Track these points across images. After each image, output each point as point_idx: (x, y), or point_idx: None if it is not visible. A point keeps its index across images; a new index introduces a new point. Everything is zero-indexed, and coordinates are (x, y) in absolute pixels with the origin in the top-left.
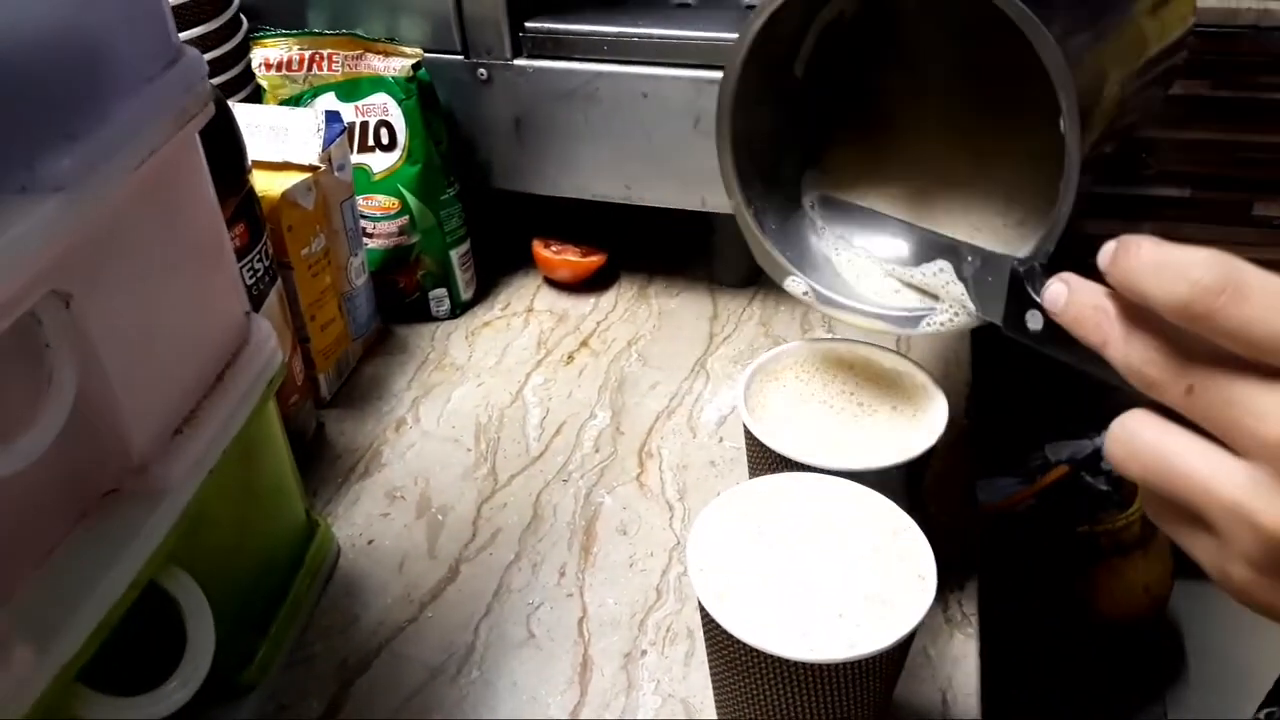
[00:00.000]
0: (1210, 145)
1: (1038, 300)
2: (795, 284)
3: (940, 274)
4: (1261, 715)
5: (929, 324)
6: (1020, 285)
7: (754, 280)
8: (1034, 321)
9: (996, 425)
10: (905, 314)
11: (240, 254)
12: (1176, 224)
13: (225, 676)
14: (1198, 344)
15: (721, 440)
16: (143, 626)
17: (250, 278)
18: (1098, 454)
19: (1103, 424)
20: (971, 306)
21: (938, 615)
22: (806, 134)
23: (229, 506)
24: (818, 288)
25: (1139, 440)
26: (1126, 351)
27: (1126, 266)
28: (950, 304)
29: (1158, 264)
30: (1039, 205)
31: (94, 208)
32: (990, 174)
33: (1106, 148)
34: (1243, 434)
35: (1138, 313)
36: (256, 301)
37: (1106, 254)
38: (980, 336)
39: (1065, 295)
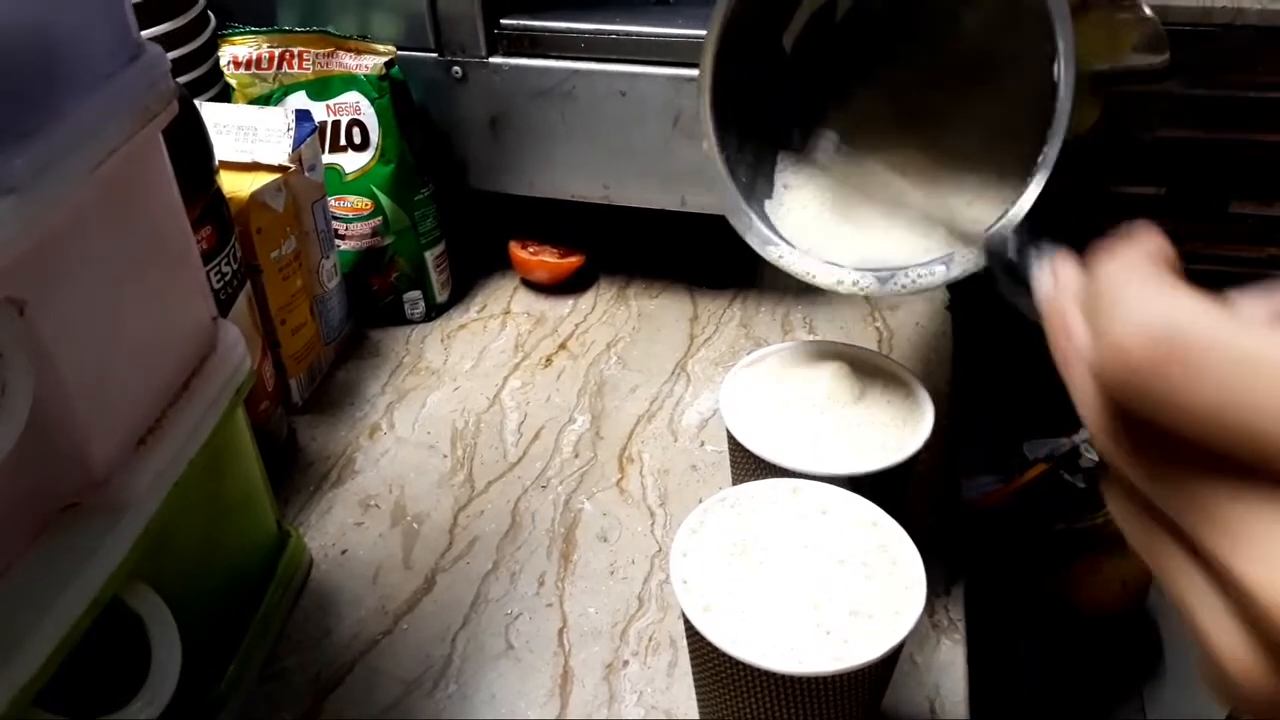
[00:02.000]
0: (1185, 144)
1: (1024, 278)
2: (763, 242)
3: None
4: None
5: (901, 282)
6: (998, 260)
7: (734, 282)
8: (1021, 303)
9: (975, 423)
10: (878, 271)
11: (207, 257)
12: (1151, 221)
13: (195, 693)
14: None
15: (703, 444)
16: (106, 644)
17: (218, 281)
18: (1075, 452)
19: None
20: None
21: (924, 622)
22: (789, 105)
23: (196, 519)
24: (785, 241)
25: (1118, 504)
26: (1078, 398)
27: (1060, 292)
28: (924, 262)
29: (1099, 306)
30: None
31: (49, 210)
32: (980, 152)
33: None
34: (1197, 538)
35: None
36: (225, 306)
37: (1055, 273)
38: (961, 332)
39: (1048, 290)
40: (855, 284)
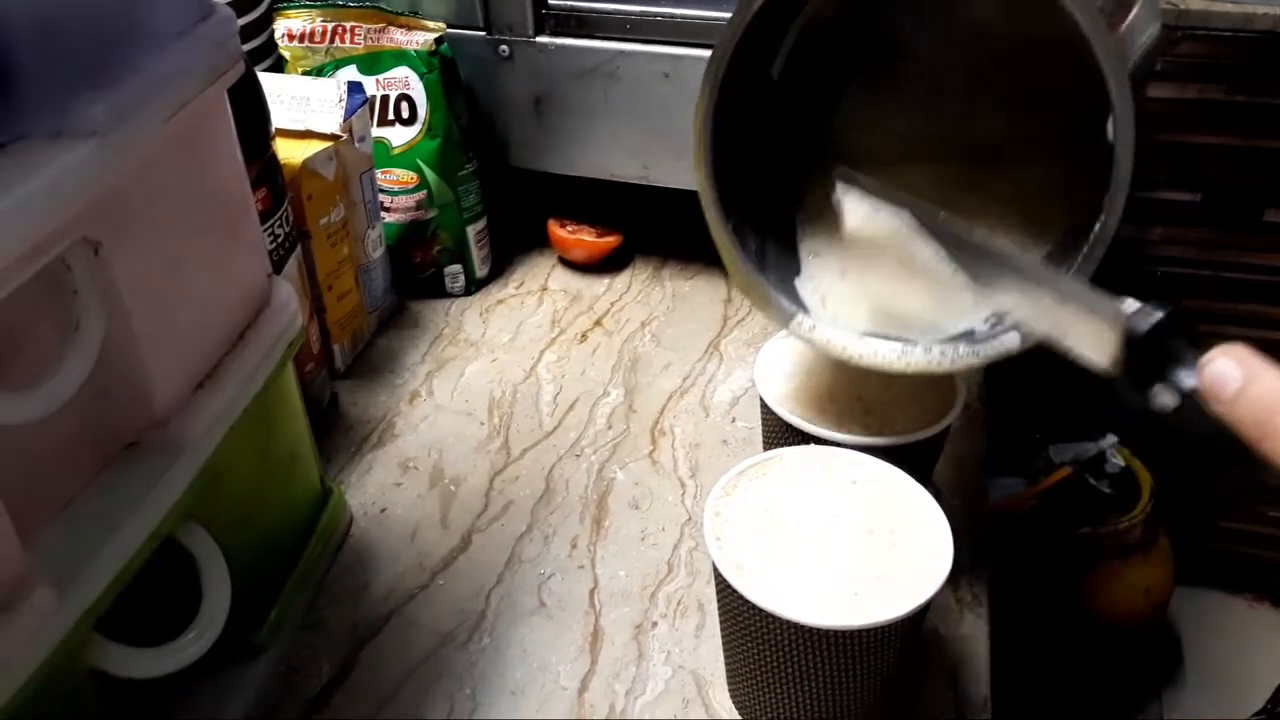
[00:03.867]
0: (1223, 150)
1: (1172, 379)
2: (794, 318)
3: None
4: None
5: (942, 356)
6: (1146, 349)
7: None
8: (1165, 397)
9: (1001, 425)
10: (914, 346)
11: (262, 218)
12: (1186, 228)
13: (237, 639)
14: None
15: (734, 420)
16: (160, 591)
17: (271, 242)
18: (1101, 456)
19: (1107, 427)
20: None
21: (948, 596)
22: (790, 157)
23: (247, 467)
24: (813, 320)
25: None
26: None
27: (1260, 393)
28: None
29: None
30: (1043, 233)
31: (125, 156)
32: (988, 199)
33: None
34: None
35: None
36: (276, 267)
37: (1224, 380)
38: None
39: (1238, 383)
40: (903, 358)
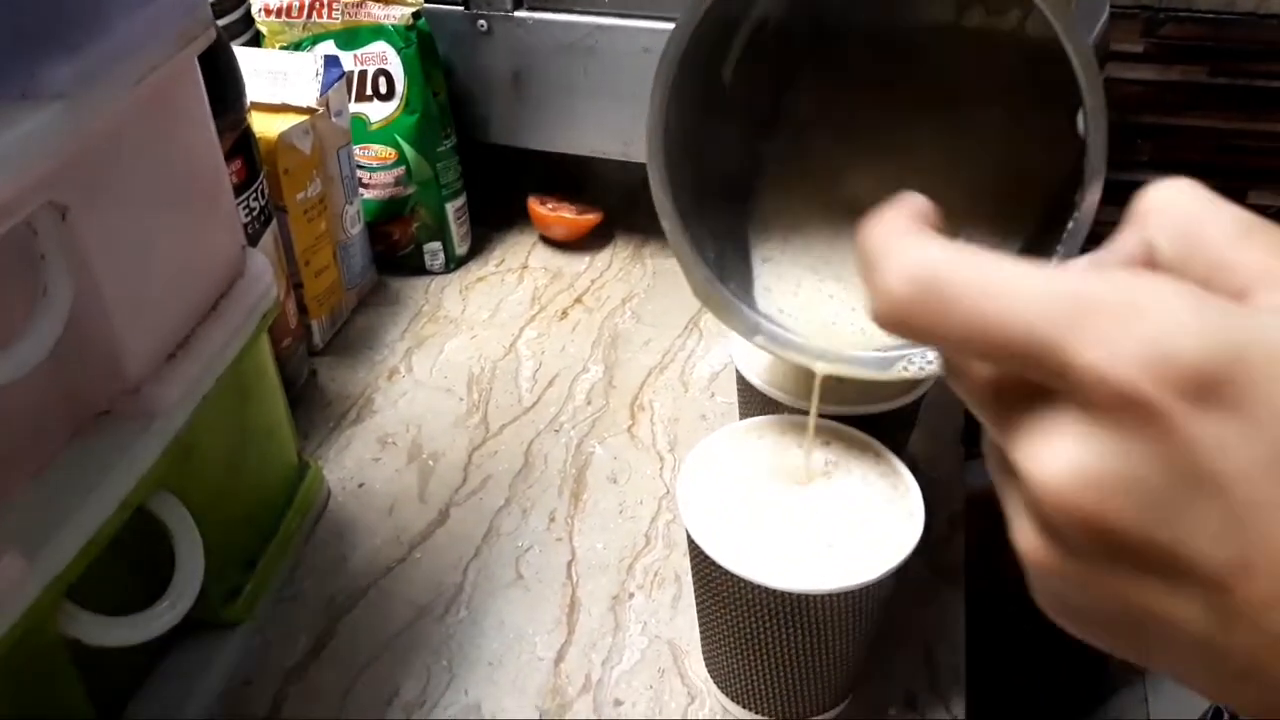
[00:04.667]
0: (1206, 132)
1: None
2: (756, 330)
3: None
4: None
5: (905, 367)
6: None
7: None
8: None
9: None
10: (876, 355)
11: (237, 190)
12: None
13: (213, 610)
14: None
15: (713, 395)
16: (134, 566)
17: (246, 215)
18: None
19: None
20: None
21: (923, 567)
22: (744, 160)
23: (221, 438)
24: (778, 326)
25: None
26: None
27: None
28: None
29: (863, 250)
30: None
31: (93, 119)
32: (956, 189)
33: None
34: (1003, 455)
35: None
36: (252, 240)
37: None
38: None
39: None
40: (850, 366)
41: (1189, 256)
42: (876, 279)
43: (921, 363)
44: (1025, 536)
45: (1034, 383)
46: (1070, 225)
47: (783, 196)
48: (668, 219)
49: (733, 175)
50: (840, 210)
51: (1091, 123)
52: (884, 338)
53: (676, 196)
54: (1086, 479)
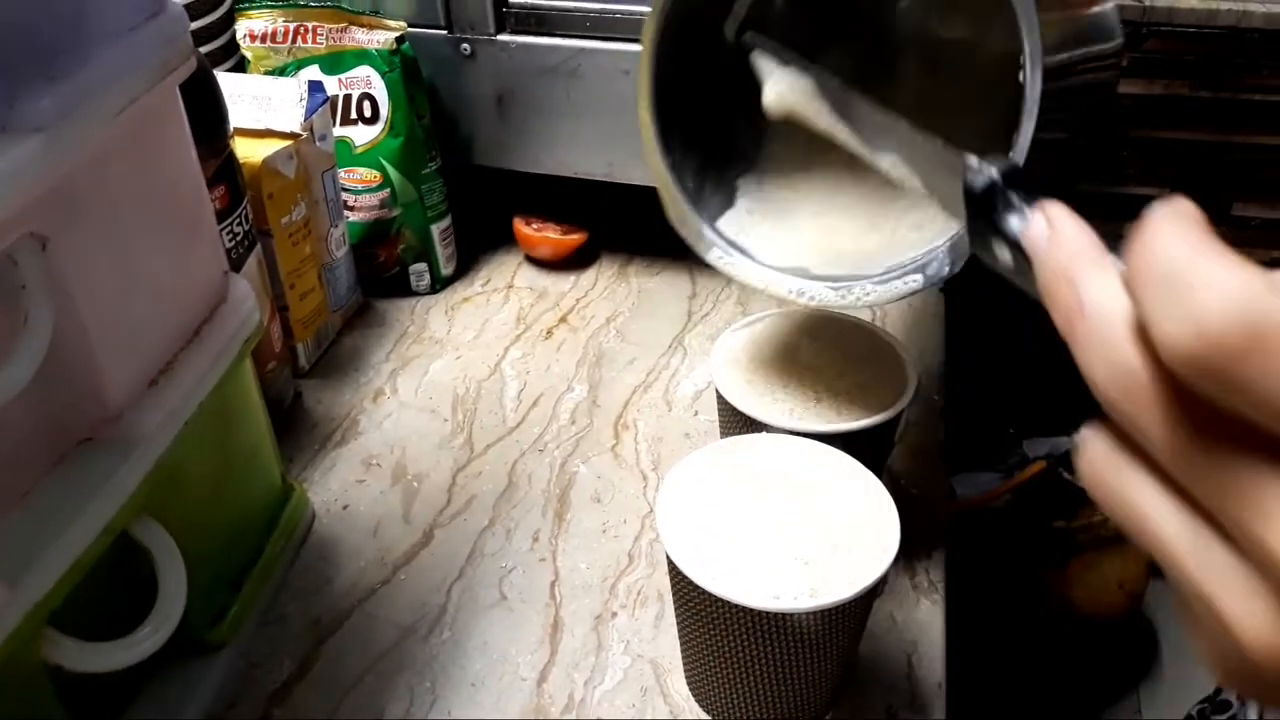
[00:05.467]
0: (1190, 145)
1: (1004, 230)
2: (711, 249)
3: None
4: (1194, 711)
5: (857, 294)
6: (981, 203)
7: None
8: (1003, 254)
9: (975, 422)
10: (835, 282)
11: (220, 216)
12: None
13: (197, 634)
14: (1201, 399)
15: (697, 414)
16: (117, 592)
17: (230, 241)
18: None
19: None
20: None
21: (904, 582)
22: (734, 106)
23: (204, 463)
24: (735, 248)
25: (1108, 467)
26: (1092, 362)
27: (1061, 244)
28: (884, 275)
29: (1164, 279)
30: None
31: (73, 150)
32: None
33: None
34: (1234, 523)
35: (1121, 317)
36: (235, 265)
37: (1036, 237)
38: (960, 327)
39: (1044, 241)
40: (806, 295)
41: None
42: (1187, 303)
43: (860, 291)
44: (1252, 624)
45: None
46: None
47: (779, 142)
48: (651, 144)
49: (726, 123)
50: (831, 155)
51: (1030, 62)
52: (834, 274)
53: (664, 130)
54: None
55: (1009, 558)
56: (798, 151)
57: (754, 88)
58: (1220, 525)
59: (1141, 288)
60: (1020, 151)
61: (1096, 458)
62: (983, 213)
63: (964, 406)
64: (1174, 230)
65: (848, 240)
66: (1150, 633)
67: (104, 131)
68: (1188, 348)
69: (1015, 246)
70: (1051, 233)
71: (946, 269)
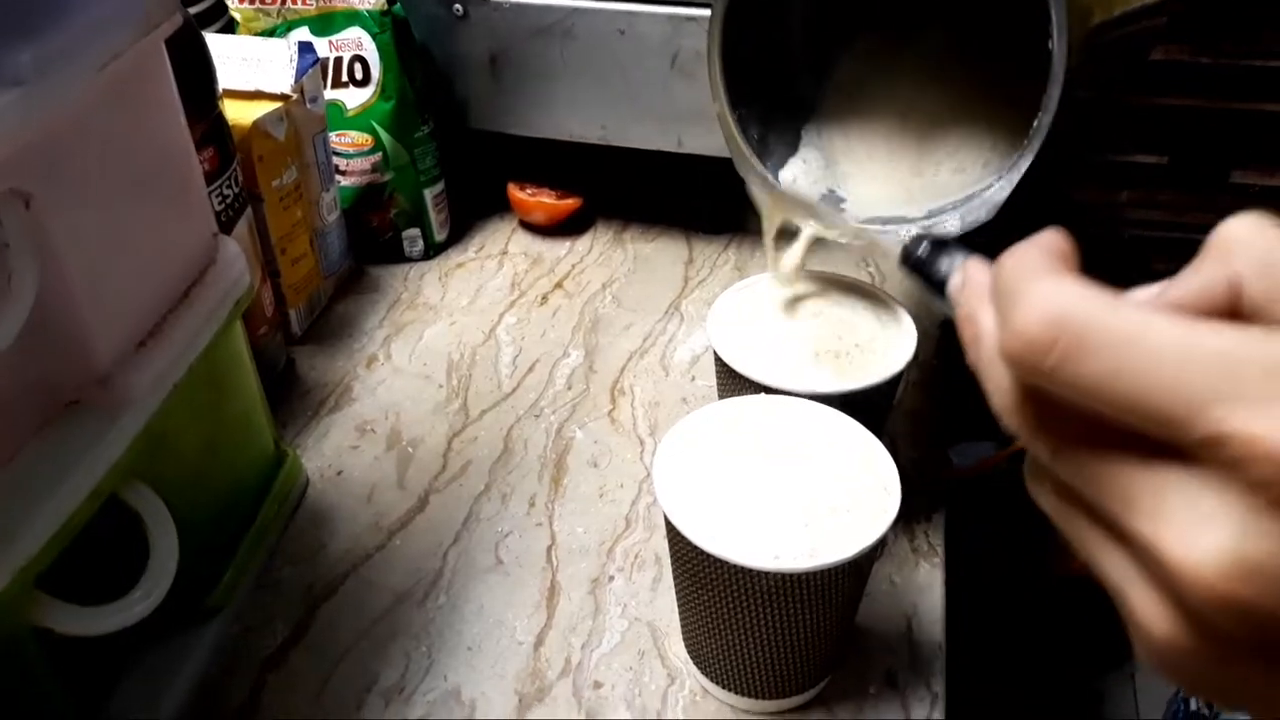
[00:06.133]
0: (1189, 112)
1: (938, 289)
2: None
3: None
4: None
5: (905, 235)
6: (918, 271)
7: (730, 227)
8: (942, 304)
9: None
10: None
11: (209, 178)
12: (1154, 191)
13: (190, 599)
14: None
15: (694, 379)
16: (110, 555)
17: (220, 204)
18: None
19: None
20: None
21: (904, 545)
22: (800, 58)
23: (195, 427)
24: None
25: (1037, 487)
26: (988, 387)
27: (969, 289)
28: (924, 218)
29: (998, 285)
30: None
31: (55, 106)
32: (979, 117)
33: (1081, 92)
34: (1112, 520)
35: None
36: (225, 228)
37: (954, 290)
38: None
39: (956, 288)
40: (854, 238)
41: (1277, 290)
42: (1011, 314)
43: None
44: (1152, 614)
45: (1163, 449)
46: (1034, 124)
47: (844, 101)
48: (720, 97)
49: (790, 72)
50: (886, 117)
51: (1057, 32)
52: (891, 213)
53: (729, 87)
54: (1246, 567)
55: (1005, 525)
56: (854, 101)
57: (820, 36)
58: (1114, 529)
59: (995, 307)
60: (1045, 119)
61: (1027, 473)
62: (921, 275)
63: (961, 377)
64: (1020, 256)
65: (895, 184)
66: None
67: (86, 87)
68: (1009, 348)
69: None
70: (964, 282)
71: (983, 214)
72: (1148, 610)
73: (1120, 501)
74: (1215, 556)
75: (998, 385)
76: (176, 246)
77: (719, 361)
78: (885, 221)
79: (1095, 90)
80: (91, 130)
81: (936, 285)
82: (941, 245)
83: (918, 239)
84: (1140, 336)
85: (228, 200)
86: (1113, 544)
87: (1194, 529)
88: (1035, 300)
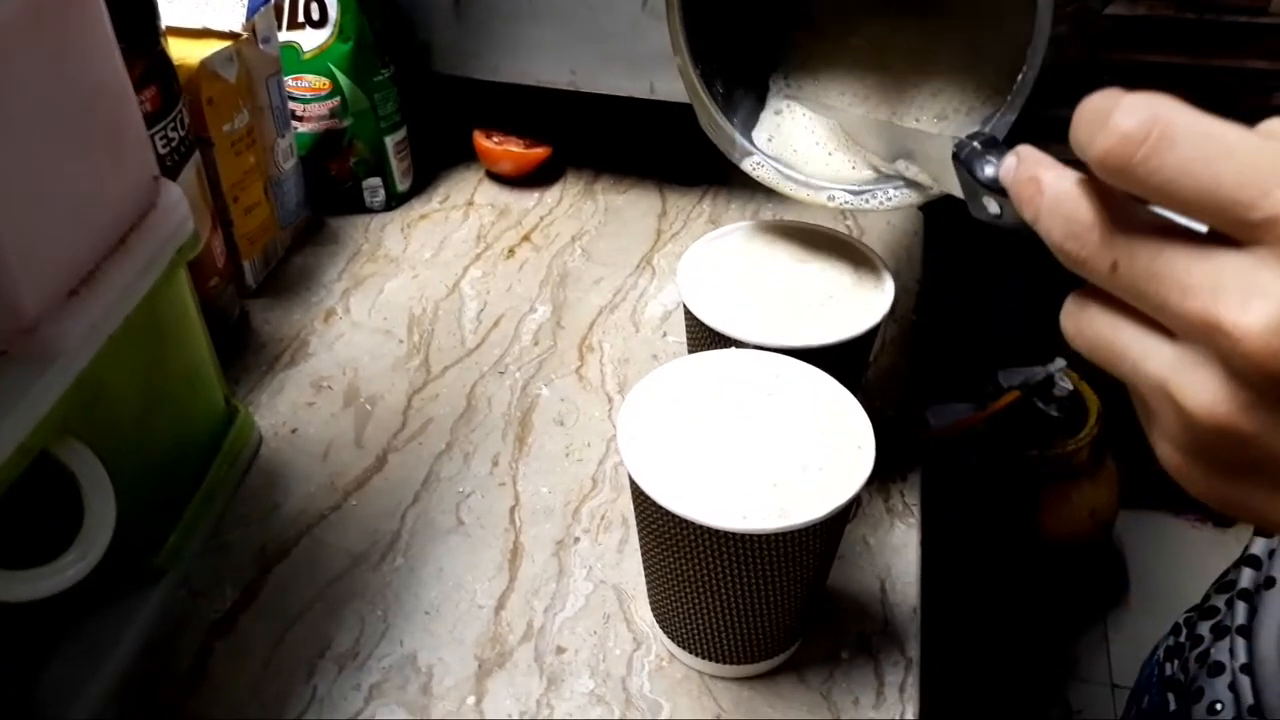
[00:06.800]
0: (1173, 69)
1: (983, 181)
2: (746, 157)
3: (907, 168)
4: (1181, 620)
5: (880, 199)
6: (966, 167)
7: (705, 178)
8: (990, 205)
9: (949, 352)
10: (856, 189)
11: (151, 120)
12: None
13: (135, 562)
14: (1128, 216)
15: (665, 335)
16: (44, 517)
17: (164, 147)
18: (1050, 381)
19: (1056, 353)
20: (930, 185)
21: (878, 505)
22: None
23: (135, 380)
24: (769, 158)
25: (1083, 317)
26: (1050, 225)
27: (1025, 161)
28: (905, 180)
29: (1088, 111)
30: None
31: None
32: (961, 57)
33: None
34: (1168, 311)
35: (1072, 183)
36: (170, 173)
37: (1006, 169)
38: (936, 252)
39: (1013, 169)
40: (831, 198)
41: None
42: (1108, 120)
43: (885, 196)
44: (1199, 389)
45: (1222, 243)
46: (1018, 80)
47: (813, 44)
48: (681, 54)
49: (756, 29)
50: (860, 61)
51: None
52: (863, 177)
53: (690, 39)
54: None
55: (982, 486)
56: (826, 46)
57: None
58: (1161, 326)
59: (1077, 129)
60: (1031, 74)
61: (1068, 314)
62: (970, 173)
63: (938, 338)
64: (1101, 93)
65: (870, 137)
66: (1119, 561)
67: (5, 21)
68: (1104, 147)
69: (998, 191)
70: (1019, 159)
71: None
72: (1194, 388)
73: (1179, 290)
74: (1267, 319)
75: (1066, 217)
76: (112, 190)
77: (688, 314)
78: (862, 183)
79: (1081, 47)
80: (11, 65)
81: (983, 182)
82: (991, 143)
83: (970, 136)
84: (1220, 134)
85: (173, 144)
86: (1161, 342)
87: (1250, 299)
88: (1133, 103)
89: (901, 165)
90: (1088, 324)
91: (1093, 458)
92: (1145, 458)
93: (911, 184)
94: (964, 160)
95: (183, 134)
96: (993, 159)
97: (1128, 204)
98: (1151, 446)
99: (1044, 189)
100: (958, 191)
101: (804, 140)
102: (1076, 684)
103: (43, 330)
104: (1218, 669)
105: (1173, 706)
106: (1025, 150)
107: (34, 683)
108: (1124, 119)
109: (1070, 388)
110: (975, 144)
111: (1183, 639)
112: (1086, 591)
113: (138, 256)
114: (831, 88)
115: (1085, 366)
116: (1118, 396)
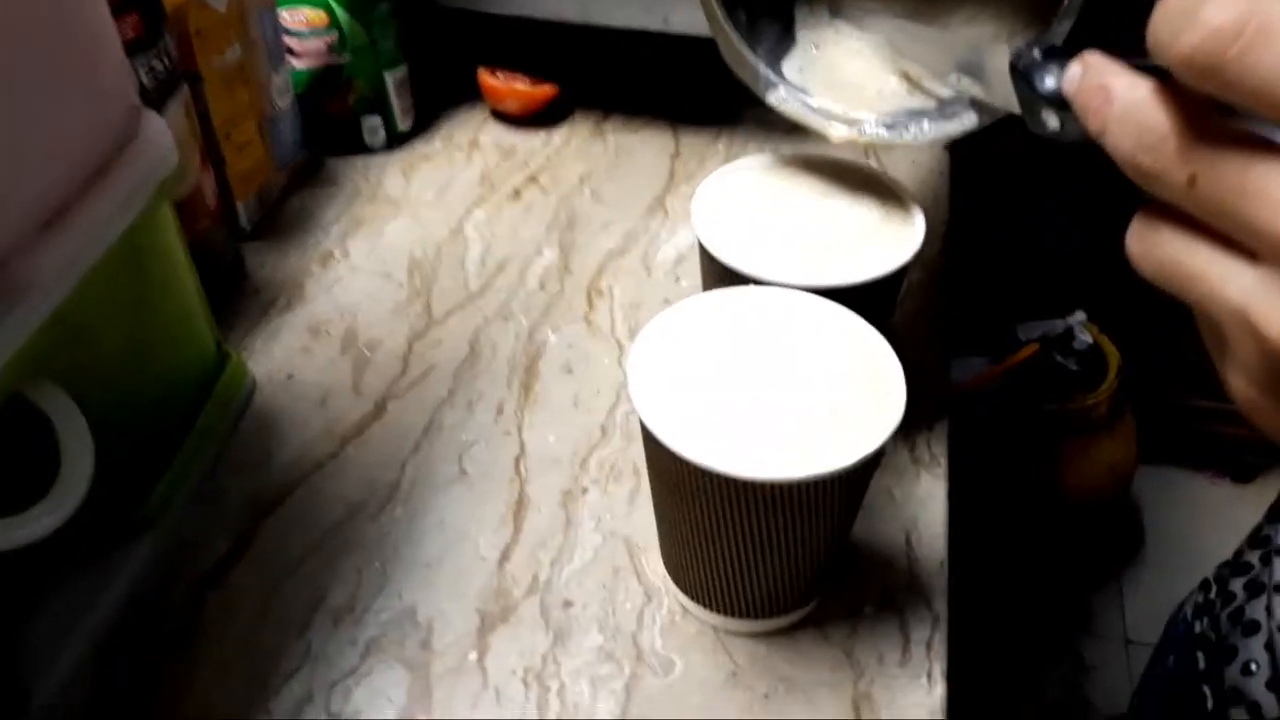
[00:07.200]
0: None
1: (1044, 93)
2: (771, 90)
3: (959, 81)
4: (1211, 575)
5: (914, 130)
6: (1024, 78)
7: (721, 117)
8: (1050, 119)
9: (968, 305)
10: (889, 121)
11: (132, 49)
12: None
13: (122, 512)
14: (1209, 126)
15: (678, 280)
16: (21, 465)
17: (148, 79)
18: (1069, 334)
19: (1076, 305)
20: (987, 100)
21: (903, 455)
22: None
23: (117, 322)
24: (797, 90)
25: (1153, 237)
26: (1120, 136)
27: (1092, 68)
28: (942, 107)
29: (1173, 3)
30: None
31: None
32: None
33: None
34: (1252, 228)
35: (1147, 90)
36: (155, 107)
37: (1070, 78)
38: (960, 196)
39: (1078, 79)
40: (862, 132)
41: None
42: (1195, 13)
43: (918, 130)
44: (1239, 384)
45: None
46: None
47: None
48: None
49: None
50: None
51: None
52: (912, 105)
53: None
54: None
55: (1000, 440)
56: None
57: None
58: (1241, 246)
59: (1157, 26)
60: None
61: (1135, 235)
62: (1029, 85)
63: (957, 290)
64: None
65: (924, 50)
66: (1136, 518)
67: None
68: (1192, 43)
69: (1058, 105)
70: (1084, 67)
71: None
72: (1276, 315)
73: (1270, 206)
74: None
75: (1138, 127)
76: (87, 116)
77: (703, 252)
78: (894, 115)
79: None
80: None
81: (1044, 94)
82: (1052, 52)
83: (1029, 44)
84: None
85: (158, 75)
86: (1243, 265)
87: None
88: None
89: (954, 79)
90: (1157, 245)
91: (1112, 412)
92: (1164, 412)
93: (951, 112)
94: (1022, 70)
95: (168, 65)
96: (1054, 68)
97: (1209, 114)
98: (1222, 379)
99: (1114, 97)
100: (1015, 107)
101: (850, 65)
102: (1090, 639)
103: (13, 266)
104: (1253, 627)
105: (1202, 665)
106: (1092, 57)
107: (16, 638)
108: (1215, 12)
109: (1090, 341)
110: (1035, 53)
111: (1213, 595)
112: (1103, 547)
113: (117, 189)
114: (863, 19)
115: (1105, 319)
116: (1138, 350)
